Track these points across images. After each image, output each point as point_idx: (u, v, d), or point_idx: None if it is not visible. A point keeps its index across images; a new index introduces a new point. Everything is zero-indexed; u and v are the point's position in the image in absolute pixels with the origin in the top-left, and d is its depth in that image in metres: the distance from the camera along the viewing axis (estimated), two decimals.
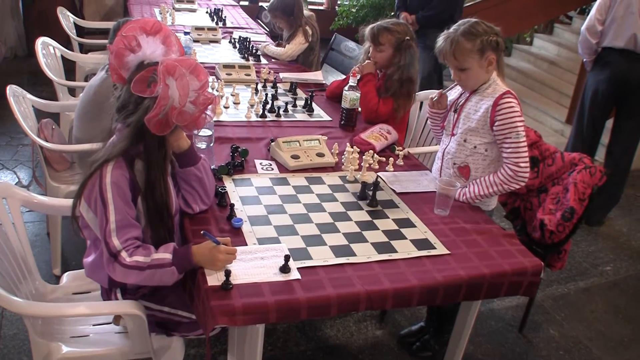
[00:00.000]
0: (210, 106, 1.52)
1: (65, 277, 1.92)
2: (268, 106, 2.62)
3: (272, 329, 2.42)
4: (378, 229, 1.78)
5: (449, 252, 1.70)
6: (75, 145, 2.49)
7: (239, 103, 2.73)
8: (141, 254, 1.46)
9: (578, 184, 2.27)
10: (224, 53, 3.63)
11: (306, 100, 2.78)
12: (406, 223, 1.84)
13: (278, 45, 3.80)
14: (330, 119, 2.69)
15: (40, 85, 4.57)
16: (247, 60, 3.51)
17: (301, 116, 2.68)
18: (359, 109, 2.61)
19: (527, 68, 6.24)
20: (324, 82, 3.26)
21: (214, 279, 1.44)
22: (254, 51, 3.65)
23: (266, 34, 4.41)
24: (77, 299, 1.85)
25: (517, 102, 1.96)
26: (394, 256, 1.65)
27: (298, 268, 1.53)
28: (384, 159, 2.24)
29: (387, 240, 1.73)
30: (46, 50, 3.25)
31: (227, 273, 1.42)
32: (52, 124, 2.59)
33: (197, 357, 2.23)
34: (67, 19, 4.15)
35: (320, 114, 2.75)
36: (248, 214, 1.77)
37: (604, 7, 3.46)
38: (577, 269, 3.24)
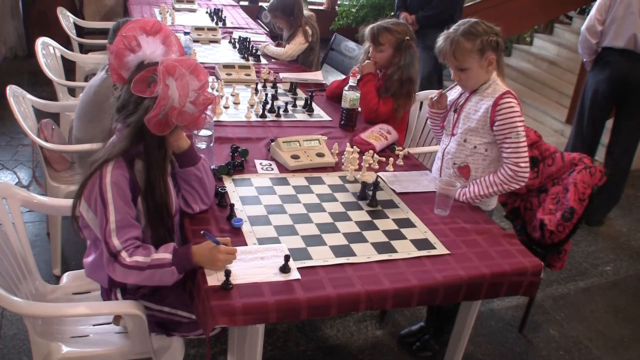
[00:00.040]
0: (210, 106, 1.53)
1: (65, 277, 1.92)
2: (268, 106, 2.62)
3: (272, 329, 2.42)
4: (378, 229, 1.78)
5: (449, 252, 1.70)
6: (75, 145, 2.49)
7: (238, 103, 2.73)
8: (141, 254, 1.46)
9: (578, 184, 2.27)
10: (224, 53, 3.63)
11: (306, 100, 2.78)
12: (406, 223, 1.84)
13: (278, 45, 3.80)
14: (330, 119, 2.69)
15: (40, 85, 4.57)
16: (247, 60, 3.51)
17: (301, 116, 2.68)
18: (359, 109, 2.61)
19: (527, 68, 6.24)
20: (324, 82, 3.26)
21: (214, 279, 1.44)
22: (253, 51, 3.65)
23: (266, 34, 4.41)
24: (77, 299, 1.86)
25: (517, 102, 1.96)
26: (394, 256, 1.65)
27: (298, 268, 1.53)
28: (384, 159, 2.24)
29: (387, 240, 1.73)
30: (46, 50, 3.25)
31: (227, 273, 1.42)
32: (52, 124, 2.59)
33: (197, 357, 2.23)
34: (67, 19, 4.15)
35: (320, 114, 2.75)
36: (248, 214, 1.77)
37: (604, 7, 3.46)
38: (577, 269, 3.24)
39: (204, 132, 1.97)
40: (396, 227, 1.80)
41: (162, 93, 1.41)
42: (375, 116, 2.60)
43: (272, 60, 3.62)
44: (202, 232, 1.53)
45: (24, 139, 3.86)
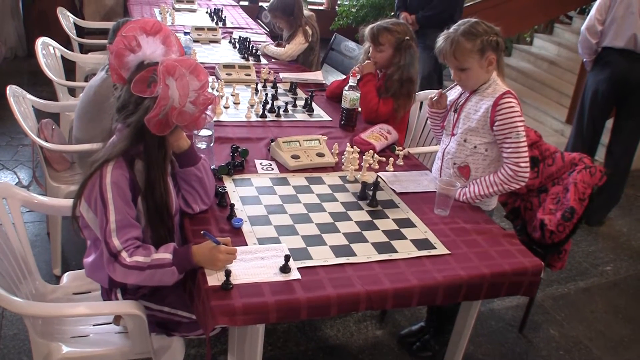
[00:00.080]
0: (210, 106, 1.53)
1: (66, 277, 1.92)
2: (268, 106, 2.62)
3: (272, 329, 2.42)
4: (378, 229, 1.78)
5: (449, 252, 1.70)
6: (75, 145, 2.49)
7: (239, 103, 2.73)
8: (141, 254, 1.46)
9: (578, 184, 2.27)
10: (224, 53, 3.63)
11: (306, 100, 2.78)
12: (406, 223, 1.84)
13: (278, 45, 3.80)
14: (330, 119, 2.69)
15: (40, 85, 4.57)
16: (247, 60, 3.51)
17: (301, 116, 2.68)
18: (359, 109, 2.61)
19: (527, 68, 6.24)
20: (324, 82, 3.26)
21: (214, 279, 1.44)
22: (254, 51, 3.65)
23: (266, 34, 4.41)
24: (77, 299, 1.86)
25: (517, 102, 1.96)
26: (394, 256, 1.65)
27: (298, 268, 1.53)
28: (384, 159, 2.24)
29: (387, 240, 1.73)
30: (46, 50, 3.25)
31: (227, 273, 1.42)
32: (52, 124, 2.59)
33: (198, 357, 2.23)
34: (67, 19, 4.15)
35: (320, 114, 2.75)
36: (248, 214, 1.77)
37: (604, 7, 3.46)
38: (577, 269, 3.24)
39: (204, 132, 1.97)
40: (396, 227, 1.80)
41: (162, 93, 1.41)
42: (375, 116, 2.60)
43: (272, 60, 3.62)
44: (202, 232, 1.53)
45: (24, 139, 3.86)
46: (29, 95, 2.60)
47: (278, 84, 3.02)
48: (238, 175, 2.01)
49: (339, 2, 7.35)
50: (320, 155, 2.17)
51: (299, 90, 3.02)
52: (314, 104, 2.78)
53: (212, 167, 1.91)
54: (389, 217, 1.86)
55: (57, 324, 1.71)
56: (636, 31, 3.36)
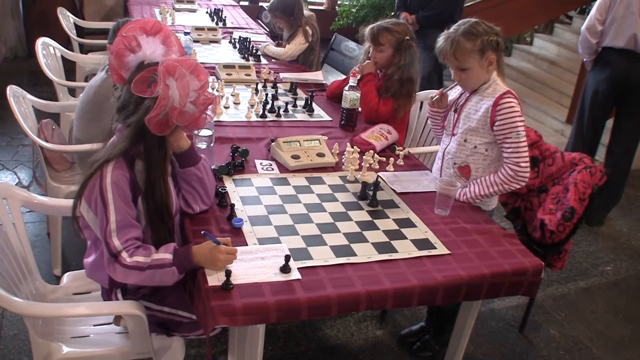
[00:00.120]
0: (210, 106, 1.53)
1: (66, 278, 1.92)
2: (268, 106, 2.62)
3: (272, 329, 2.42)
4: (378, 229, 1.78)
5: (449, 252, 1.70)
6: (76, 145, 2.49)
7: (239, 103, 2.73)
8: (141, 254, 1.46)
9: (578, 184, 2.27)
10: (224, 53, 3.63)
11: (306, 100, 2.78)
12: (406, 223, 1.84)
13: (278, 45, 3.80)
14: (331, 119, 2.69)
15: (40, 85, 4.57)
16: (247, 60, 3.51)
17: (301, 116, 2.68)
18: (359, 109, 2.61)
19: (527, 68, 6.24)
20: (324, 82, 3.26)
21: (215, 279, 1.44)
22: (254, 51, 3.65)
23: (266, 34, 4.41)
24: (78, 299, 1.85)
25: (517, 102, 1.96)
26: (394, 256, 1.65)
27: (298, 268, 1.53)
28: (384, 159, 2.24)
29: (387, 240, 1.73)
30: (46, 50, 3.25)
31: (228, 273, 1.42)
32: (52, 124, 2.59)
33: (198, 357, 2.23)
34: (67, 19, 4.15)
35: (320, 114, 2.75)
36: (248, 214, 1.77)
37: (604, 7, 3.46)
38: (578, 268, 3.24)
39: (205, 132, 1.97)
40: (396, 227, 1.80)
41: (163, 93, 1.41)
42: (375, 116, 2.60)
43: (273, 60, 3.62)
44: (202, 232, 1.53)
45: (24, 139, 3.86)
46: (29, 96, 2.60)
47: (278, 84, 3.02)
48: (238, 175, 2.01)
49: (339, 2, 7.35)
50: (321, 155, 2.17)
51: (299, 90, 3.02)
52: (314, 104, 2.78)
53: (212, 167, 1.91)
54: (389, 217, 1.86)
55: (57, 324, 1.71)
56: (636, 31, 3.36)
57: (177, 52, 1.55)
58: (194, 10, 4.81)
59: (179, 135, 1.60)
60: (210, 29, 3.94)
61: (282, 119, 2.62)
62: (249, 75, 3.04)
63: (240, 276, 1.46)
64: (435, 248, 1.71)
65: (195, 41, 3.73)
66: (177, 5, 4.77)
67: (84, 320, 1.75)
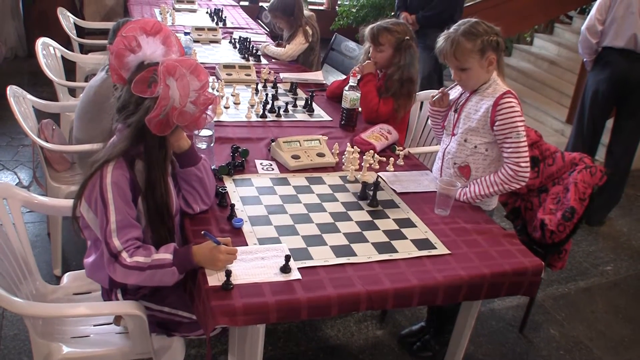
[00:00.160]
0: (210, 106, 1.53)
1: (66, 278, 1.92)
2: (268, 106, 2.62)
3: (272, 329, 2.42)
4: (378, 229, 1.78)
5: (449, 252, 1.70)
6: (76, 145, 2.49)
7: (239, 103, 2.73)
8: (142, 254, 1.46)
9: (578, 184, 2.27)
10: (224, 53, 3.63)
11: (306, 100, 2.78)
12: (407, 223, 1.84)
13: (278, 45, 3.80)
14: (331, 119, 2.69)
15: (40, 85, 4.57)
16: (248, 60, 3.51)
17: (301, 116, 2.68)
18: (360, 109, 2.61)
19: (527, 68, 6.24)
20: (324, 82, 3.26)
21: (215, 279, 1.44)
22: (254, 51, 3.65)
23: (266, 34, 4.41)
24: (78, 299, 1.86)
25: (517, 102, 1.96)
26: (394, 256, 1.65)
27: (299, 268, 1.53)
28: (384, 159, 2.24)
29: (387, 240, 1.73)
30: (46, 50, 3.25)
31: (228, 273, 1.42)
32: (53, 125, 2.59)
33: (198, 357, 2.23)
34: (67, 20, 4.15)
35: (320, 114, 2.75)
36: (248, 214, 1.77)
37: (604, 7, 3.46)
38: (578, 268, 3.24)
39: (205, 132, 1.97)
40: (397, 227, 1.80)
41: (163, 93, 1.41)
42: (375, 116, 2.60)
43: (273, 60, 3.62)
44: (202, 232, 1.53)
45: (24, 139, 3.86)
46: (29, 96, 2.60)
47: (278, 84, 3.02)
48: (238, 175, 2.01)
49: (339, 2, 7.35)
50: (321, 155, 2.17)
51: (299, 91, 3.02)
52: (314, 104, 2.78)
53: (212, 167, 1.91)
54: (389, 217, 1.86)
55: (57, 325, 1.71)
56: (636, 31, 3.36)
57: (177, 52, 1.55)
58: (194, 11, 4.81)
59: (179, 135, 1.60)
60: (211, 29, 3.95)
61: (282, 119, 2.62)
62: (249, 75, 3.04)
63: (241, 276, 1.46)
64: (435, 248, 1.71)
65: (195, 41, 3.73)
66: (177, 5, 4.77)
67: (84, 320, 1.75)
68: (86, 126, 2.44)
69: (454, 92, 2.17)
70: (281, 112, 2.65)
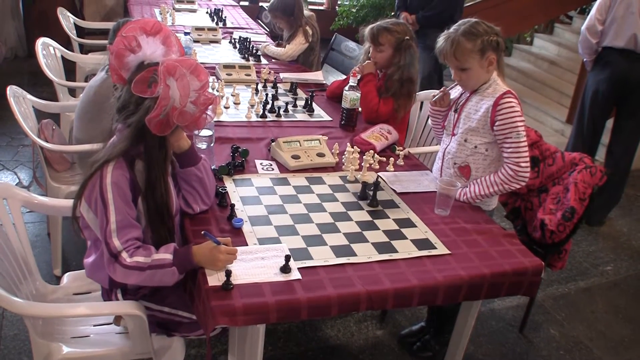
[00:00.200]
0: (210, 106, 1.53)
1: (66, 278, 1.92)
2: (268, 106, 2.62)
3: (272, 329, 2.42)
4: (378, 229, 1.78)
5: (449, 252, 1.70)
6: (76, 145, 2.49)
7: (239, 103, 2.73)
8: (142, 254, 1.46)
9: (578, 184, 2.27)
10: (224, 53, 3.63)
11: (306, 100, 2.78)
12: (407, 223, 1.84)
13: (278, 45, 3.80)
14: (331, 119, 2.69)
15: (40, 85, 4.57)
16: (248, 60, 3.51)
17: (301, 116, 2.68)
18: (360, 109, 2.61)
19: (527, 68, 6.24)
20: (324, 82, 3.26)
21: (215, 279, 1.44)
22: (254, 51, 3.65)
23: (266, 34, 4.41)
24: (78, 299, 1.85)
25: (517, 102, 1.96)
26: (394, 256, 1.65)
27: (299, 268, 1.53)
28: (384, 159, 2.24)
29: (387, 240, 1.73)
30: (46, 50, 3.25)
31: (228, 273, 1.42)
32: (53, 125, 2.59)
33: (198, 357, 2.23)
34: (67, 20, 4.15)
35: (320, 114, 2.75)
36: (248, 214, 1.77)
37: (604, 7, 3.46)
38: (578, 268, 3.24)
39: (205, 132, 1.97)
40: (397, 227, 1.80)
41: (163, 93, 1.41)
42: (375, 116, 2.60)
43: (273, 60, 3.62)
44: (202, 232, 1.53)
45: (24, 139, 3.86)
46: (29, 96, 2.60)
47: (278, 84, 3.02)
48: (238, 175, 2.01)
49: (339, 2, 7.36)
50: (321, 155, 2.17)
51: (299, 91, 3.02)
52: (314, 104, 2.78)
53: (212, 167, 1.91)
54: (389, 217, 1.86)
55: (57, 325, 1.71)
56: (636, 31, 3.36)
57: (177, 52, 1.55)
58: (194, 11, 4.81)
59: (179, 136, 1.60)
60: (211, 29, 3.95)
61: (282, 119, 2.62)
62: (249, 75, 3.05)
63: (241, 276, 1.46)
64: (435, 248, 1.71)
65: (196, 41, 3.73)
66: (177, 6, 4.77)
67: (84, 320, 1.75)
68: (86, 126, 2.44)
69: (454, 92, 2.17)
70: (281, 112, 2.65)
